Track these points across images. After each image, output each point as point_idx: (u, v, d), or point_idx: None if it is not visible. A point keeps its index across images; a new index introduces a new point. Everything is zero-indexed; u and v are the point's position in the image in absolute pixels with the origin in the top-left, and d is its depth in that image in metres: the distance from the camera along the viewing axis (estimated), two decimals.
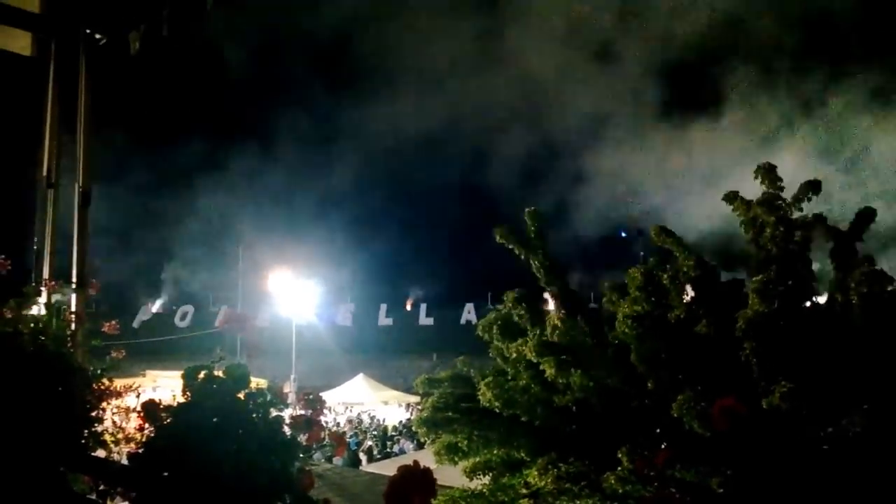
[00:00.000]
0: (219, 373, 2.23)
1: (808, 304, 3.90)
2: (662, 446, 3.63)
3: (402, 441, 21.71)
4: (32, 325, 3.47)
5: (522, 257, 5.62)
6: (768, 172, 4.20)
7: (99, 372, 3.65)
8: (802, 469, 3.04)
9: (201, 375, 2.22)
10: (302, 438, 2.23)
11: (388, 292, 56.46)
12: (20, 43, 4.72)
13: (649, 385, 4.38)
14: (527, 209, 5.73)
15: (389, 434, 24.26)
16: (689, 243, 4.66)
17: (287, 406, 2.21)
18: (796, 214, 4.12)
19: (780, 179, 4.14)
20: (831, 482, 2.98)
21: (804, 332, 3.66)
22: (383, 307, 54.99)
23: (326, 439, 17.54)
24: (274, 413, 2.17)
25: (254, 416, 2.17)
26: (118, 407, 3.73)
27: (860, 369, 3.44)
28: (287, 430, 2.19)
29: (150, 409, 2.19)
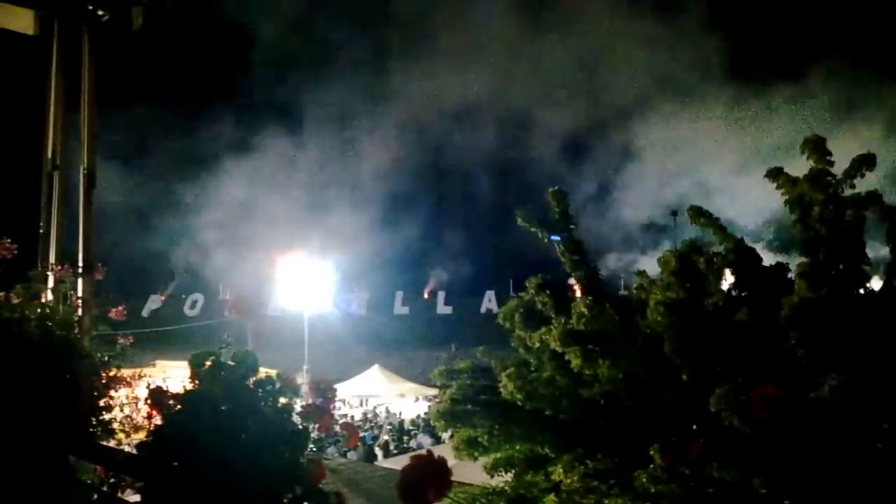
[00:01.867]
0: (227, 360, 2.21)
1: (860, 289, 3.78)
2: (699, 440, 3.55)
3: (419, 436, 21.80)
4: (39, 310, 3.50)
5: (546, 241, 5.55)
6: (816, 146, 4.06)
7: (107, 359, 3.69)
8: (852, 469, 2.95)
9: (208, 362, 2.19)
10: (313, 428, 2.21)
11: (405, 279, 56.50)
12: (23, 22, 4.72)
13: (683, 377, 4.29)
14: (550, 190, 5.65)
15: (406, 428, 24.37)
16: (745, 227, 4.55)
17: (298, 395, 2.18)
18: (848, 192, 3.98)
19: (830, 154, 4.00)
20: (884, 483, 2.89)
21: (856, 321, 3.55)
22: (399, 295, 55.12)
23: (339, 432, 17.58)
24: (284, 401, 2.14)
25: (263, 404, 2.14)
26: (126, 396, 3.77)
27: None
28: (297, 420, 2.17)
29: (157, 397, 2.18)
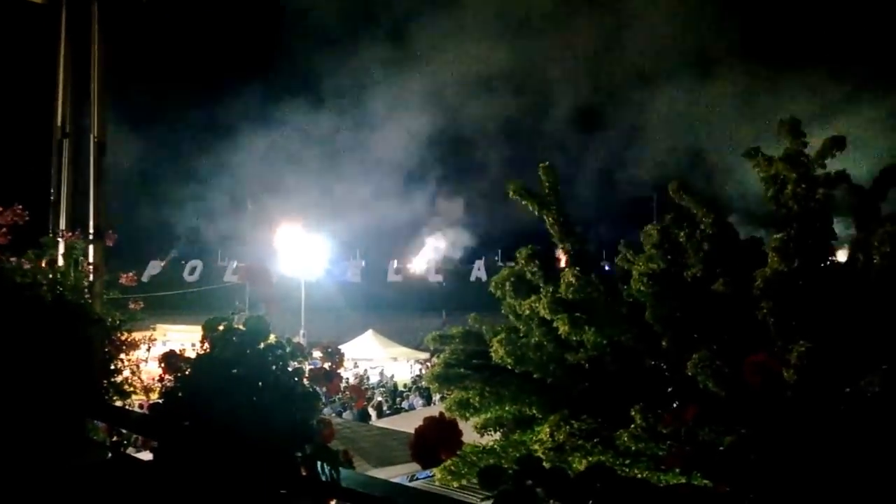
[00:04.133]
0: (238, 325, 2.25)
1: (828, 263, 3.88)
2: (690, 403, 3.66)
3: (411, 397, 22.06)
4: (51, 275, 3.50)
5: (536, 213, 5.61)
6: (791, 128, 4.14)
7: (118, 323, 3.70)
8: (818, 429, 3.07)
9: (221, 327, 2.24)
10: (321, 391, 2.26)
11: (398, 248, 56.52)
12: None
13: (664, 344, 4.41)
14: (541, 164, 5.70)
15: (399, 390, 24.63)
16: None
17: (307, 358, 2.24)
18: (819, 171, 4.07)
19: (804, 135, 4.08)
20: (847, 443, 3.01)
21: (824, 292, 3.66)
22: (393, 263, 55.19)
23: (340, 393, 17.77)
24: (294, 365, 2.20)
25: (273, 367, 2.19)
26: (129, 360, 3.80)
27: (880, 330, 3.44)
28: (306, 383, 2.22)
29: (171, 360, 2.22)
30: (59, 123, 4.20)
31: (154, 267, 49.92)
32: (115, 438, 3.83)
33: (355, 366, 29.83)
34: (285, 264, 36.27)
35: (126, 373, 3.71)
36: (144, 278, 45.53)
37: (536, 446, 4.69)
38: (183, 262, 53.25)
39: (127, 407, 3.88)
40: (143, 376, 3.84)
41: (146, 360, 3.86)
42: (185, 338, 2.64)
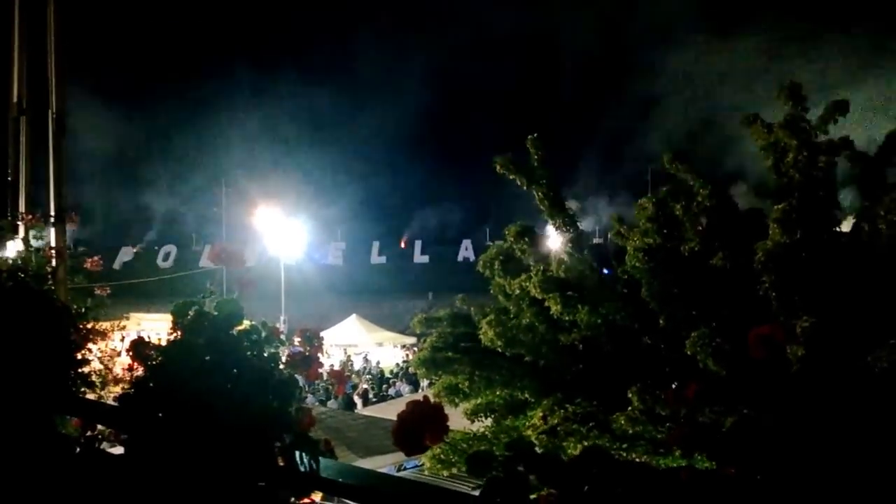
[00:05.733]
0: (209, 309, 2.20)
1: (831, 233, 3.87)
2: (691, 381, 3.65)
3: (398, 384, 22.10)
4: (10, 261, 3.43)
5: (525, 188, 5.56)
6: (792, 92, 4.10)
7: (84, 311, 3.63)
8: (824, 408, 3.07)
9: (191, 312, 2.19)
10: (300, 377, 2.23)
11: (381, 229, 56.38)
12: None
13: (661, 322, 4.40)
14: (529, 136, 5.64)
15: (385, 377, 24.67)
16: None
17: (283, 343, 2.20)
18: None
19: (805, 99, 4.04)
20: (855, 421, 3.01)
21: (828, 264, 3.65)
22: (376, 245, 55.06)
23: (322, 380, 17.81)
24: (270, 351, 2.16)
25: (248, 353, 2.15)
26: (101, 350, 3.74)
27: (887, 303, 3.44)
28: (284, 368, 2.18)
29: (139, 348, 2.17)
30: (14, 100, 4.09)
31: (126, 253, 49.46)
32: (88, 433, 3.77)
33: (345, 352, 29.81)
34: (264, 248, 36.09)
35: (95, 363, 3.64)
36: (115, 265, 45.09)
37: (529, 431, 4.69)
38: (156, 247, 52.85)
39: (102, 400, 3.82)
40: (118, 368, 3.78)
41: (119, 353, 3.79)
42: (161, 327, 2.59)
